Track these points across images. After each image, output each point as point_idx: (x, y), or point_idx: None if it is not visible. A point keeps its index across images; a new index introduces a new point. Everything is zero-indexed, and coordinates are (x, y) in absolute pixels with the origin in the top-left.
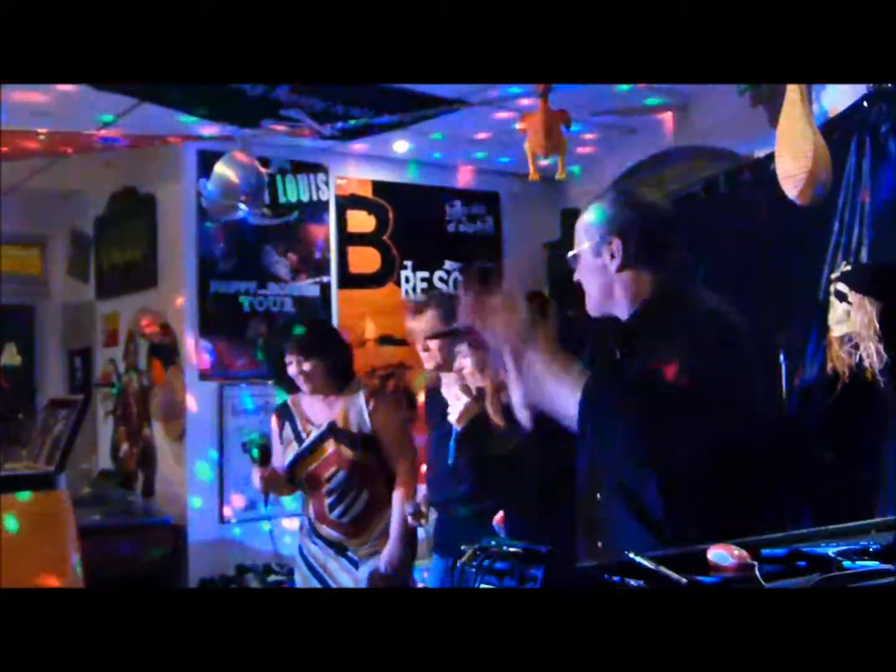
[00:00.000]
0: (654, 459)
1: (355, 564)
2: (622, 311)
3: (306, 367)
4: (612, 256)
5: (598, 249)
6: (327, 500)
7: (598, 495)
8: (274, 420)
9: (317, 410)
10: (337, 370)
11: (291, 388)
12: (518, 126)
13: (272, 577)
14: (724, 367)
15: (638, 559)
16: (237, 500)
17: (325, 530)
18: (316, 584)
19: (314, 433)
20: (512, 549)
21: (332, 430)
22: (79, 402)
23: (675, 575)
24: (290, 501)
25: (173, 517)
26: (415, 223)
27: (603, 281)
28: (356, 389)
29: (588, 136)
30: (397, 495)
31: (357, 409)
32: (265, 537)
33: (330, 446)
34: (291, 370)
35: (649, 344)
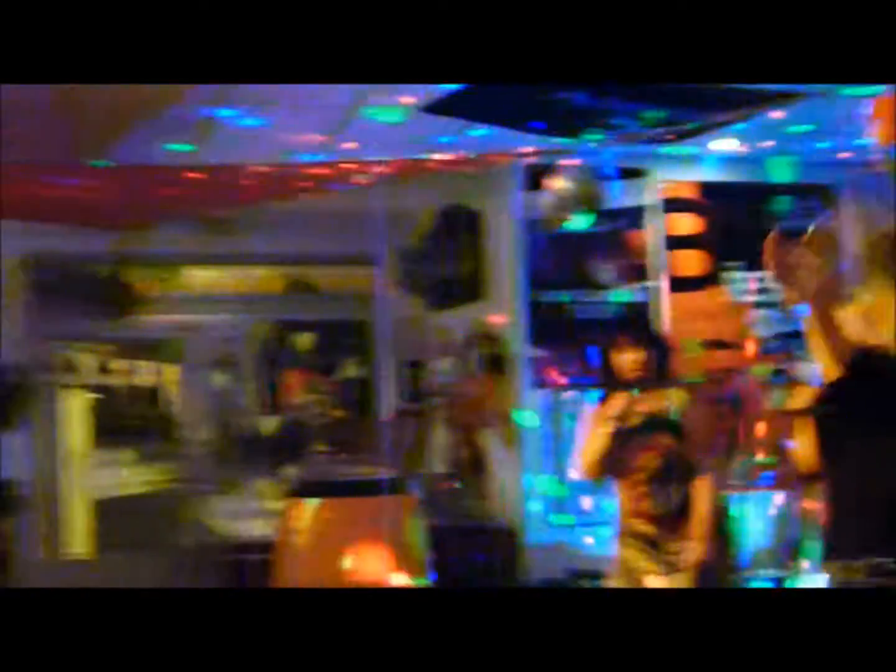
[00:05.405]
0: None
1: (674, 568)
2: None
3: (632, 356)
4: None
5: None
6: (642, 491)
7: None
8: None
9: (639, 403)
10: (658, 364)
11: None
12: (869, 114)
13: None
14: None
15: None
16: (574, 505)
17: (639, 527)
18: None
19: (635, 421)
20: None
21: (652, 420)
22: (421, 411)
23: None
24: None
25: (507, 521)
26: (741, 223)
27: None
28: (674, 386)
29: None
30: (703, 490)
31: (673, 403)
32: (599, 542)
33: (649, 434)
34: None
35: None
